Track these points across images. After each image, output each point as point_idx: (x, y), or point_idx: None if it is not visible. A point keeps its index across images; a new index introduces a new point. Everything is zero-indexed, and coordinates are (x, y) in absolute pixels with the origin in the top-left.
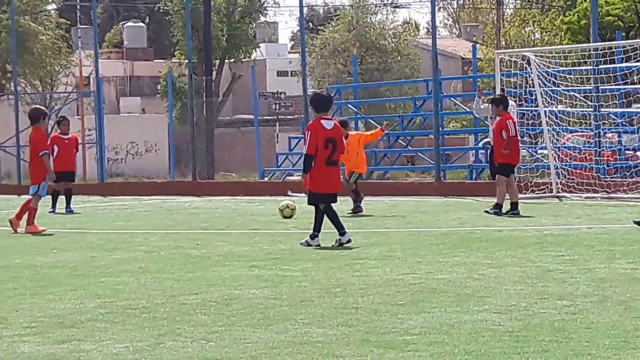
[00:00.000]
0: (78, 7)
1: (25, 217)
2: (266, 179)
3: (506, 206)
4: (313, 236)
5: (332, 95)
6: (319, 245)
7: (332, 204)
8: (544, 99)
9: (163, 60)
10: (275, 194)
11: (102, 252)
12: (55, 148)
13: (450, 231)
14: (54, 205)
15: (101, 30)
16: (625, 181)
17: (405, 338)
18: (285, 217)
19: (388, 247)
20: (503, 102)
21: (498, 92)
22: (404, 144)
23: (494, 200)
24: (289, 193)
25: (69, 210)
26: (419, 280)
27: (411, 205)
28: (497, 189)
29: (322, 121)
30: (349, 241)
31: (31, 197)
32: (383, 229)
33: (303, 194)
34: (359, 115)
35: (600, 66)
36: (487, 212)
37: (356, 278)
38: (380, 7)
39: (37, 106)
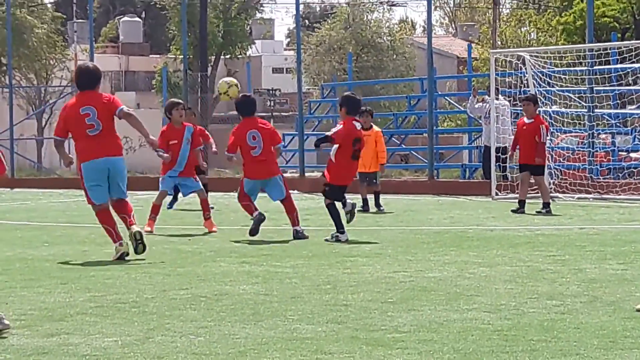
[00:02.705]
0: (74, 1)
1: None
2: None
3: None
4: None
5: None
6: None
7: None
8: (538, 99)
9: (158, 56)
10: None
11: (94, 246)
12: None
13: (442, 230)
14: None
15: (97, 24)
16: (618, 182)
17: (394, 336)
18: (232, 97)
19: (379, 244)
20: (537, 102)
21: (493, 92)
22: (398, 142)
23: (487, 199)
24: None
25: None
26: (409, 279)
27: (404, 204)
28: (540, 189)
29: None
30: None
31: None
32: (375, 226)
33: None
34: None
35: (595, 67)
36: (539, 212)
37: (347, 275)
38: (376, 5)
39: (172, 99)
